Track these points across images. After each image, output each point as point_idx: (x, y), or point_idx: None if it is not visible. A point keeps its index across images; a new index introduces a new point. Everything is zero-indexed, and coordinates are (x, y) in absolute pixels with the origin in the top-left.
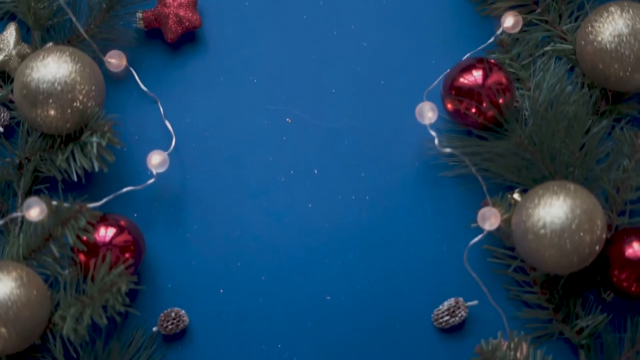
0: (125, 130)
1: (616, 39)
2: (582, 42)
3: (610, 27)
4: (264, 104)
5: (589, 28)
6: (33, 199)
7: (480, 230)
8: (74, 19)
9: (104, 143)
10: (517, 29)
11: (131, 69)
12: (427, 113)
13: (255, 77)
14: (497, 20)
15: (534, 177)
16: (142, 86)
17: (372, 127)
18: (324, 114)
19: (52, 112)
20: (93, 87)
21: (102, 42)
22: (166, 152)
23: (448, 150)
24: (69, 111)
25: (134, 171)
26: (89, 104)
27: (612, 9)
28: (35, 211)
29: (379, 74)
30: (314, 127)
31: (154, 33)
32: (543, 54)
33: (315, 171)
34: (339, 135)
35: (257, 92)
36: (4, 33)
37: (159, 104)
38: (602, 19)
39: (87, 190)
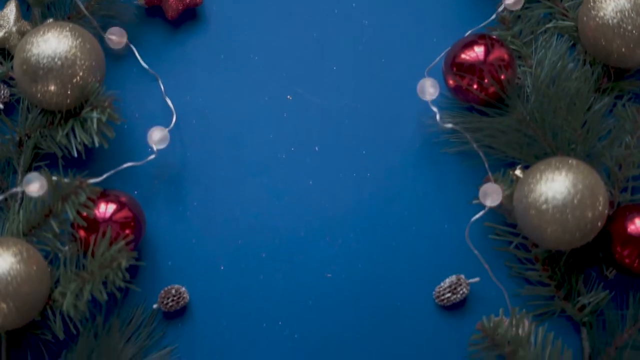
0: (126, 107)
1: (618, 14)
2: (584, 18)
3: (612, 2)
4: (265, 82)
5: (591, 4)
6: (33, 174)
7: (482, 207)
8: None
9: (104, 119)
10: (519, 6)
11: (132, 46)
12: (429, 89)
13: (256, 55)
14: None
15: (535, 154)
16: (142, 63)
17: (374, 104)
18: (325, 92)
19: (52, 88)
20: (93, 63)
21: (102, 18)
22: (167, 129)
23: (449, 125)
24: (69, 86)
25: (134, 147)
26: (89, 80)
27: None
28: (35, 186)
29: (380, 52)
30: (314, 105)
31: (154, 10)
32: (545, 31)
33: (316, 148)
34: (340, 113)
35: (258, 69)
36: (4, 10)
37: (160, 81)
38: None
39: (87, 166)
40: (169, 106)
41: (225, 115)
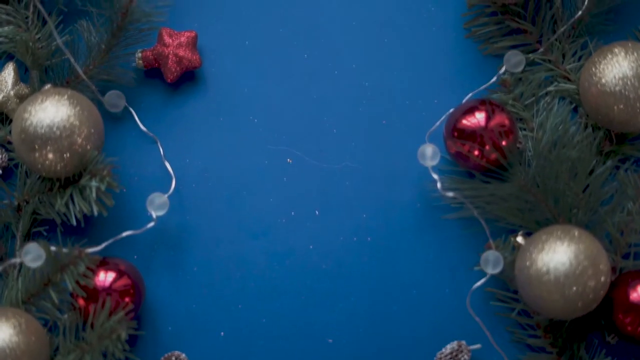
0: (125, 171)
1: (620, 81)
2: (586, 84)
3: (614, 69)
4: (265, 144)
5: (593, 69)
6: (31, 245)
7: (483, 272)
8: (72, 60)
9: (103, 187)
10: (520, 69)
11: (130, 109)
12: (429, 155)
13: (256, 117)
14: (500, 59)
15: (537, 220)
16: (141, 126)
17: (374, 168)
18: (325, 155)
19: (50, 156)
20: (92, 131)
21: (101, 82)
22: (166, 195)
23: (450, 194)
24: (68, 155)
25: (133, 213)
26: (88, 148)
27: (616, 50)
28: (33, 257)
29: (381, 113)
30: (315, 168)
31: (153, 72)
32: (546, 94)
33: (317, 212)
34: (340, 176)
35: (258, 132)
36: (2, 73)
37: (159, 144)
38: (606, 61)
39: (86, 232)
40: (168, 169)
41: (225, 179)
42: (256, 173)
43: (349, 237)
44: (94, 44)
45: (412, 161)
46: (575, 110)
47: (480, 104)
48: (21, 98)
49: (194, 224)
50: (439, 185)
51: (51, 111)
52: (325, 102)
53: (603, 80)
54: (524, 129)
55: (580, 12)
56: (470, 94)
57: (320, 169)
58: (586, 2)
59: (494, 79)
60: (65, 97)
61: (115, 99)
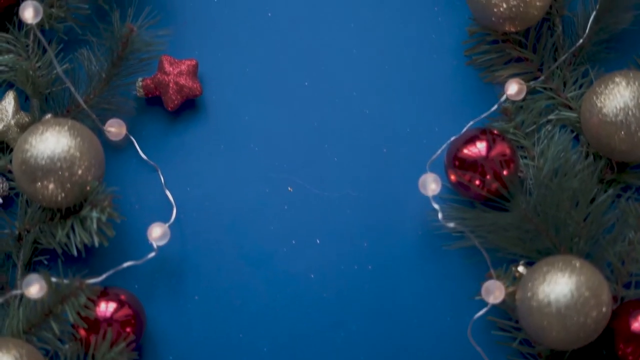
0: (126, 200)
1: (622, 112)
2: (587, 114)
3: (615, 99)
4: (265, 173)
5: (594, 99)
6: (32, 276)
7: (484, 302)
8: (72, 89)
9: (103, 218)
10: (521, 97)
11: (131, 137)
12: (430, 185)
13: (257, 145)
14: (501, 86)
15: (538, 249)
16: (142, 155)
17: (375, 196)
18: (326, 183)
19: (51, 188)
20: (92, 162)
21: (101, 111)
22: (167, 224)
23: (452, 224)
24: (69, 186)
25: (134, 242)
26: (89, 179)
27: (617, 79)
28: (34, 289)
29: (381, 141)
30: (315, 196)
31: (154, 100)
32: (547, 122)
33: (318, 241)
34: (341, 205)
35: (258, 160)
36: (2, 102)
37: (160, 172)
38: (607, 90)
39: (87, 261)
40: (169, 198)
41: (226, 207)
42: (257, 201)
43: (349, 266)
44: (94, 72)
45: (413, 189)
46: (576, 138)
47: (481, 133)
48: (22, 127)
49: (195, 252)
50: (440, 215)
51: (51, 142)
52: (326, 130)
53: (604, 110)
54: (525, 157)
55: (581, 40)
56: (471, 122)
57: (321, 197)
58: (587, 30)
59: (495, 107)
60: (66, 127)
61: (116, 128)
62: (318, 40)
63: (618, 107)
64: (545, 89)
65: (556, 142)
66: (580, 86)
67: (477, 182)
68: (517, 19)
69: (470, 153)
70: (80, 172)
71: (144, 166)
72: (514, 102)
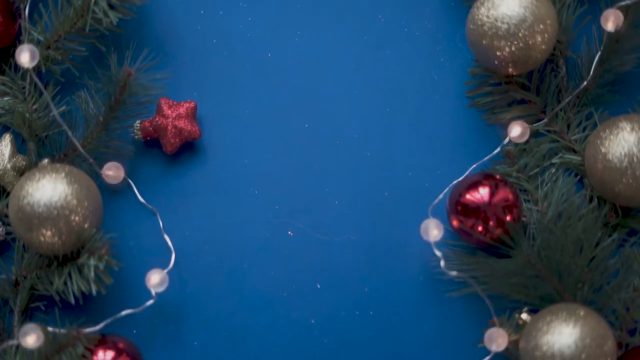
0: (124, 244)
1: (626, 158)
2: (592, 159)
3: (620, 144)
4: (265, 216)
5: (598, 143)
6: (29, 326)
7: (487, 349)
8: (70, 133)
9: (101, 266)
10: (524, 139)
11: (129, 180)
12: (432, 231)
13: (256, 189)
14: (504, 128)
15: (541, 295)
16: (140, 198)
17: (376, 240)
18: (327, 227)
19: (48, 235)
20: (90, 209)
21: (99, 154)
22: (165, 270)
23: (454, 273)
24: (66, 234)
25: (132, 288)
26: (86, 226)
27: (622, 124)
28: (31, 339)
29: (383, 184)
30: (316, 240)
31: (152, 142)
32: (551, 165)
33: (318, 286)
34: (342, 249)
35: (258, 203)
36: None
37: (158, 216)
38: (611, 136)
39: (85, 308)
40: (167, 243)
41: (225, 252)
42: (257, 245)
43: (351, 311)
44: (91, 116)
45: (414, 234)
46: (580, 181)
47: (483, 178)
48: (19, 170)
49: (194, 298)
50: (442, 263)
51: (48, 190)
52: (327, 173)
53: (609, 156)
54: (528, 201)
55: (585, 82)
56: (474, 165)
57: (322, 242)
58: (592, 72)
59: (498, 149)
60: (63, 174)
61: (114, 171)
62: (318, 81)
63: (623, 153)
64: (548, 131)
65: (560, 186)
66: (584, 129)
67: (480, 229)
68: (520, 62)
69: (472, 199)
70: (77, 219)
71: (143, 210)
72: (517, 144)
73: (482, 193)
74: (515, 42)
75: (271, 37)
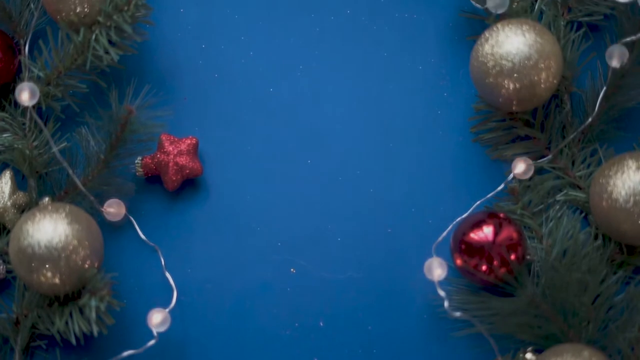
0: (125, 282)
1: (632, 198)
2: (596, 197)
3: (626, 184)
4: (268, 253)
5: (603, 182)
6: None
7: None
8: (70, 171)
9: (102, 307)
10: (528, 176)
11: (130, 217)
12: (436, 270)
13: (259, 225)
14: (508, 164)
15: (546, 334)
16: (141, 235)
17: (379, 278)
18: (330, 264)
19: (48, 276)
20: (91, 249)
21: (100, 191)
22: (167, 310)
23: (458, 314)
24: (66, 275)
25: (134, 327)
26: (87, 266)
27: (627, 162)
28: None
29: (386, 221)
30: (319, 278)
31: (153, 177)
32: (555, 201)
33: (321, 324)
34: (345, 287)
35: (261, 240)
36: None
37: (160, 253)
38: (617, 174)
39: (86, 347)
40: (169, 281)
41: (227, 289)
42: (259, 283)
43: (354, 350)
44: (92, 153)
45: (418, 271)
46: (585, 218)
47: (487, 217)
48: (19, 207)
49: (196, 337)
50: (446, 304)
51: (49, 230)
52: (330, 209)
53: (614, 195)
54: (532, 238)
55: (590, 119)
56: (477, 202)
57: (325, 279)
58: (597, 108)
59: (502, 186)
60: (63, 214)
61: (115, 208)
62: (321, 116)
63: (628, 193)
64: (553, 168)
65: (564, 223)
66: (589, 165)
67: (484, 268)
68: (525, 100)
69: (476, 238)
70: (78, 260)
71: (144, 247)
72: (521, 181)
73: (486, 232)
74: (520, 81)
75: (273, 71)
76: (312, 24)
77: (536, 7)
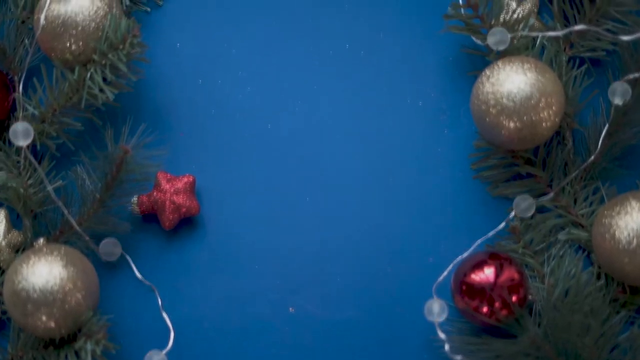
0: (121, 323)
1: (635, 239)
2: (599, 238)
3: (629, 225)
4: (266, 293)
5: (606, 222)
6: None
7: None
8: (65, 212)
9: (98, 351)
10: (530, 214)
11: (127, 256)
12: (437, 312)
13: (257, 264)
14: (509, 201)
15: None
16: (138, 275)
17: (379, 317)
18: (329, 304)
19: (44, 319)
20: (86, 292)
21: (96, 231)
22: (164, 352)
23: (459, 358)
24: (62, 319)
25: None
26: (83, 309)
27: (631, 203)
28: None
29: (386, 260)
30: (318, 318)
31: (150, 216)
32: (557, 240)
33: None
34: (344, 327)
35: (259, 279)
36: None
37: (157, 293)
38: (620, 214)
39: None
40: (166, 321)
41: (225, 329)
42: (257, 323)
43: None
44: (87, 192)
45: (418, 311)
46: (588, 256)
47: (489, 257)
48: (14, 247)
49: None
50: (446, 347)
51: (44, 274)
52: (329, 247)
53: (617, 236)
54: (534, 276)
55: (592, 157)
56: (479, 241)
57: (324, 319)
58: (599, 146)
59: (503, 224)
60: (59, 257)
61: (110, 248)
62: (319, 153)
63: (631, 234)
64: (555, 206)
65: (567, 262)
66: (591, 203)
67: (485, 310)
68: (526, 139)
69: (477, 279)
70: (73, 303)
71: (141, 286)
72: (522, 219)
73: (487, 273)
74: (521, 120)
75: (271, 107)
76: (311, 58)
77: (537, 42)
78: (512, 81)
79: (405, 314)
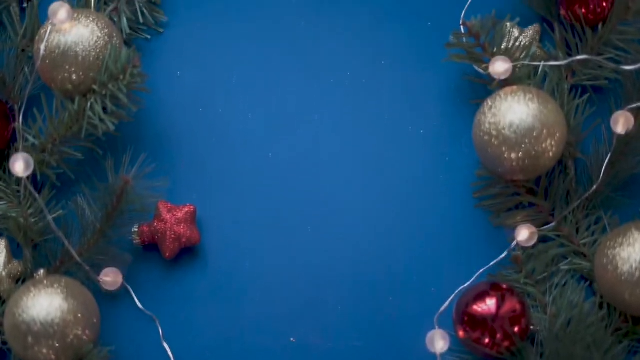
0: (122, 353)
1: (638, 271)
2: (601, 268)
3: (632, 256)
4: (267, 322)
5: (608, 253)
6: None
7: None
8: (66, 242)
9: None
10: (532, 243)
11: (127, 286)
12: (438, 343)
13: (258, 293)
14: (511, 230)
15: None
16: (139, 305)
17: (380, 347)
18: (330, 333)
19: (44, 352)
20: (87, 324)
21: (96, 261)
22: None
23: None
24: (62, 351)
25: None
26: (83, 341)
27: (633, 234)
28: None
29: (387, 289)
30: (319, 347)
31: (150, 245)
32: (559, 269)
33: None
34: (346, 356)
35: (260, 309)
36: None
37: (158, 323)
38: (623, 246)
39: None
40: (167, 352)
41: (227, 359)
42: (259, 353)
43: None
44: (88, 223)
45: (420, 341)
46: (590, 286)
47: (490, 288)
48: (14, 277)
49: None
50: None
51: (44, 306)
52: (330, 277)
53: (619, 267)
54: (536, 306)
55: (595, 186)
56: (480, 271)
57: (325, 349)
58: (601, 175)
59: (505, 254)
60: (59, 290)
61: (111, 277)
62: (321, 182)
63: (634, 266)
64: (557, 235)
65: (569, 292)
66: (593, 233)
67: (487, 342)
68: (528, 170)
69: (479, 310)
70: (74, 335)
71: (141, 316)
72: (524, 248)
73: (489, 304)
74: (523, 152)
75: (272, 136)
76: (312, 86)
77: (539, 71)
78: (514, 112)
79: (407, 344)
